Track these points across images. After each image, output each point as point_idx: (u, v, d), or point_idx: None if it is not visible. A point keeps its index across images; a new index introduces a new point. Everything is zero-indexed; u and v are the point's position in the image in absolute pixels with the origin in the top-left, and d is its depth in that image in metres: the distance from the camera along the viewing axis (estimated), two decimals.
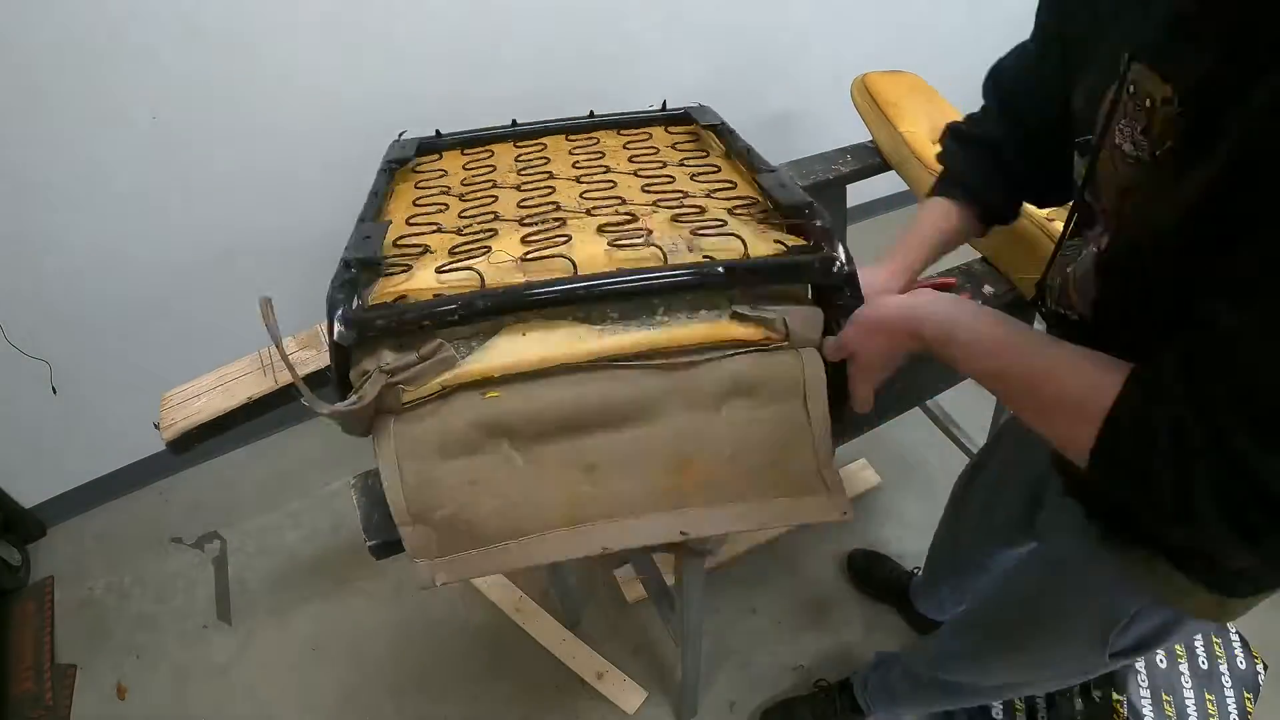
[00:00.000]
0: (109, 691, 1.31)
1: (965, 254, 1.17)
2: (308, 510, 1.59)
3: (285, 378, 0.81)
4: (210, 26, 1.18)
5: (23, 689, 1.29)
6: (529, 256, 0.61)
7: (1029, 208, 1.09)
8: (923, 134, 1.29)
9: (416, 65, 1.40)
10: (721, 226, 0.65)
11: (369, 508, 0.72)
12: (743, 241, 0.62)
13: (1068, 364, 0.50)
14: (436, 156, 0.91)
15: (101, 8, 1.10)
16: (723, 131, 0.90)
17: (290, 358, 0.85)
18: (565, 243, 0.63)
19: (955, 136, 0.82)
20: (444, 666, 1.35)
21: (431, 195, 0.80)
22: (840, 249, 0.62)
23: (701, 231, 0.63)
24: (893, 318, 0.60)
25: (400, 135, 0.91)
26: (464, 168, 0.88)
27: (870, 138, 1.38)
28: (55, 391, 1.38)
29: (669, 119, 1.01)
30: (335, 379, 0.61)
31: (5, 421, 1.38)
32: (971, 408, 1.61)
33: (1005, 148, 0.76)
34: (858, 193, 1.49)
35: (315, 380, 0.84)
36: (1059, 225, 1.06)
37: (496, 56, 1.47)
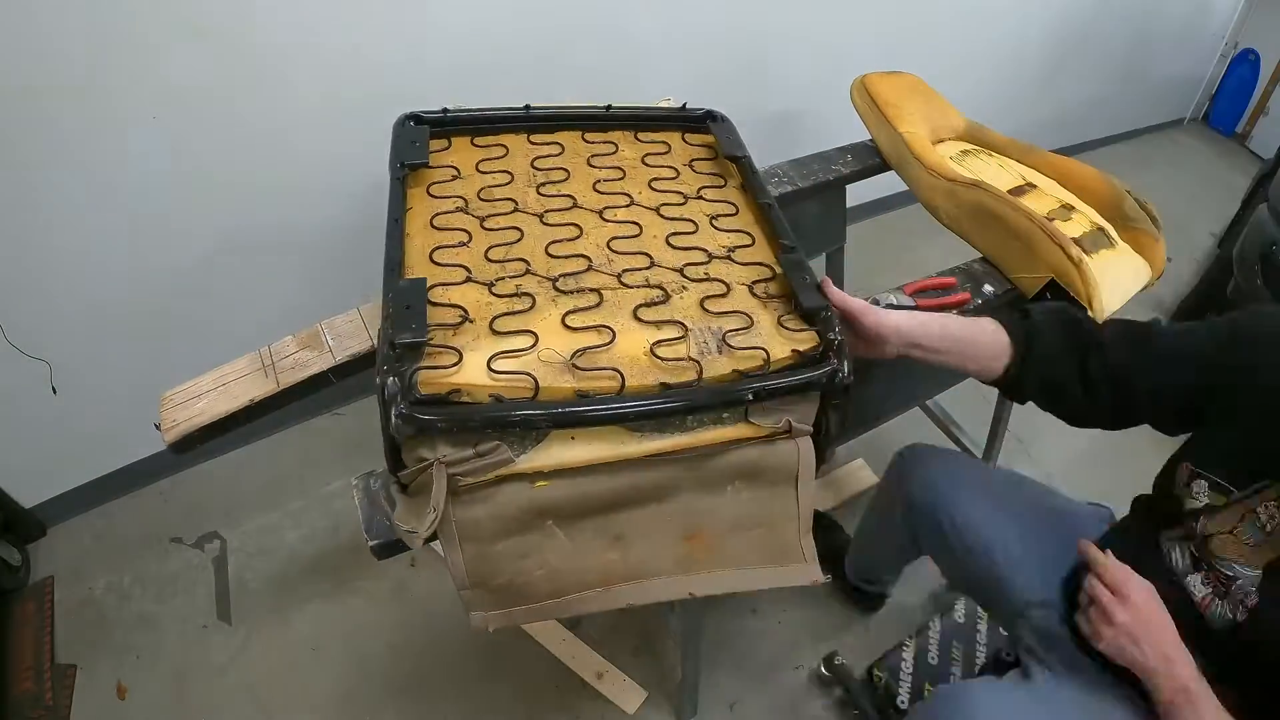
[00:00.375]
0: (109, 691, 1.31)
1: (966, 253, 1.18)
2: (308, 510, 1.59)
3: (286, 379, 0.81)
4: (211, 25, 1.18)
5: (23, 689, 1.29)
6: (578, 363, 0.66)
7: (1026, 204, 1.10)
8: (922, 135, 1.29)
9: (415, 65, 1.40)
10: (747, 328, 0.72)
11: (370, 508, 0.73)
12: (766, 352, 0.70)
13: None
14: (445, 144, 0.90)
15: (101, 7, 1.09)
16: (747, 168, 0.91)
17: (291, 358, 0.85)
18: (609, 344, 0.68)
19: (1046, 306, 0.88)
20: (444, 666, 1.35)
21: (449, 213, 0.80)
22: (846, 364, 0.70)
23: (730, 338, 0.71)
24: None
25: (407, 119, 0.89)
26: (478, 169, 0.87)
27: (870, 138, 1.38)
28: (55, 391, 1.38)
29: (686, 123, 1.00)
30: (388, 459, 0.67)
31: (5, 421, 1.38)
32: (972, 408, 1.62)
33: (1094, 354, 0.80)
34: (858, 193, 1.49)
35: (317, 383, 0.84)
36: (1059, 225, 1.07)
37: (496, 56, 1.47)
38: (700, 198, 0.88)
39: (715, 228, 0.84)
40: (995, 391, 1.43)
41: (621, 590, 0.73)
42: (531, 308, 0.70)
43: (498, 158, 0.89)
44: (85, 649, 1.37)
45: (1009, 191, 1.15)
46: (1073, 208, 1.17)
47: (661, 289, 0.75)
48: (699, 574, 0.75)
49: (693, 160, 0.95)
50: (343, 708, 1.30)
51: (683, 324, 0.71)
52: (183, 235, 1.37)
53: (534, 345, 0.67)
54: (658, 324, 0.71)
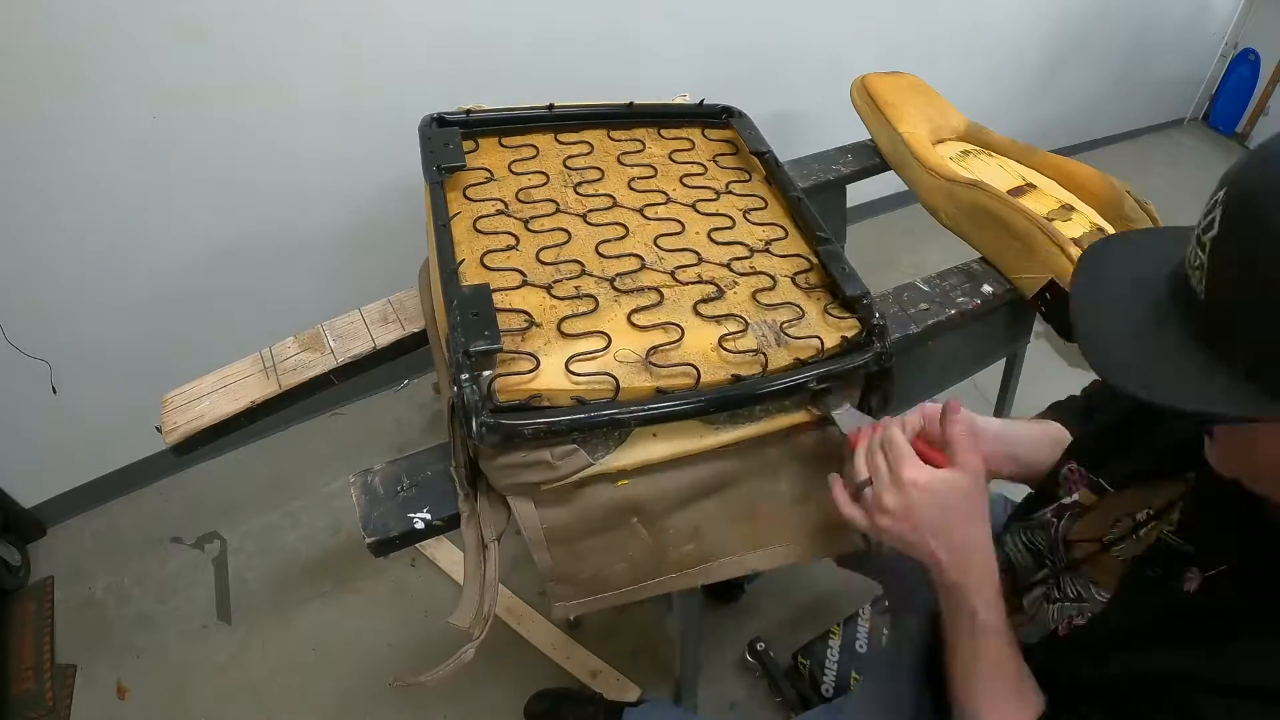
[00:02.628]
0: (109, 691, 1.31)
1: (966, 253, 1.18)
2: (308, 510, 1.59)
3: (288, 381, 0.81)
4: (210, 25, 1.18)
5: (23, 689, 1.29)
6: (654, 361, 0.68)
7: (1025, 204, 1.10)
8: (922, 135, 1.29)
9: (418, 63, 1.40)
10: (799, 319, 0.76)
11: (368, 505, 0.73)
12: (820, 340, 0.73)
13: (1003, 679, 0.60)
14: (473, 145, 0.90)
15: (102, 7, 1.09)
16: (771, 163, 0.93)
17: (292, 359, 0.85)
18: (679, 341, 0.71)
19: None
20: None
21: (490, 216, 0.80)
22: (888, 347, 0.75)
23: (786, 329, 0.74)
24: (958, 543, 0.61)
25: (432, 120, 0.88)
26: (510, 170, 0.87)
27: (870, 137, 1.38)
28: (55, 391, 1.38)
29: (705, 119, 1.02)
30: (466, 470, 0.68)
31: (5, 421, 1.38)
32: (972, 407, 1.61)
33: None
34: (858, 193, 1.49)
35: (318, 384, 0.84)
36: (1059, 225, 1.07)
37: (499, 55, 1.47)
38: (730, 192, 0.90)
39: (750, 222, 0.87)
40: (995, 392, 1.43)
41: (695, 574, 0.78)
42: (595, 309, 0.71)
43: (529, 158, 0.89)
44: (85, 649, 1.37)
45: (1008, 192, 1.15)
46: (1073, 208, 1.17)
47: (715, 284, 0.77)
48: (760, 550, 0.80)
49: (716, 156, 0.97)
50: (343, 708, 1.30)
51: (742, 318, 0.74)
52: (183, 235, 1.37)
53: (608, 346, 0.68)
54: (718, 319, 0.74)
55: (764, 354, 0.71)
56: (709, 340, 0.71)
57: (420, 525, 0.71)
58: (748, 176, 0.94)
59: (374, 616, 1.42)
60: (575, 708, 1.27)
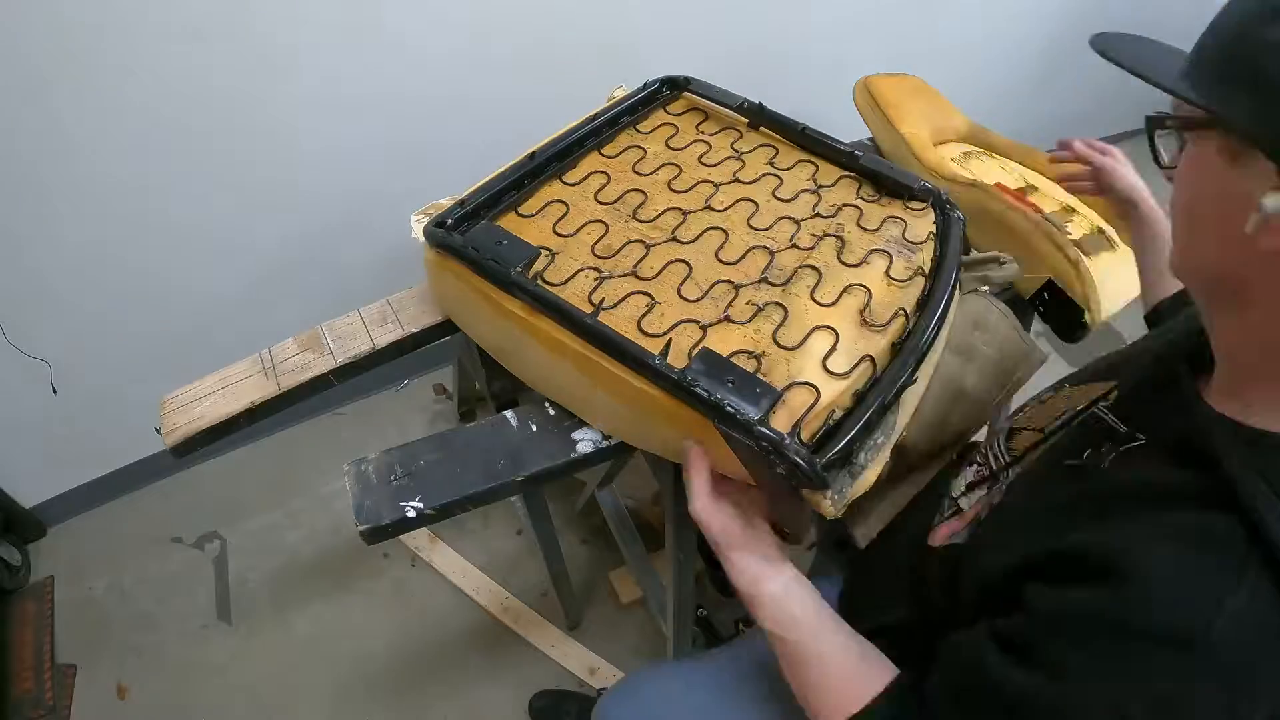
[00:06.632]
0: (109, 691, 1.31)
1: None
2: (308, 510, 1.59)
3: (288, 382, 0.81)
4: (212, 25, 1.18)
5: (23, 689, 1.29)
6: (869, 320, 0.68)
7: (1024, 205, 1.10)
8: (923, 136, 1.29)
9: (418, 62, 1.40)
10: (904, 226, 0.78)
11: (361, 493, 0.72)
12: (925, 234, 0.76)
13: (840, 655, 0.56)
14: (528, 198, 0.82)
15: (103, 6, 1.09)
16: (753, 112, 0.92)
17: (292, 360, 0.85)
18: (868, 294, 0.70)
19: None
20: (442, 666, 1.35)
21: (595, 286, 0.72)
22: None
23: (906, 237, 0.77)
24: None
25: (439, 227, 0.75)
26: (556, 231, 0.78)
27: (870, 137, 1.38)
28: (55, 391, 1.38)
29: (639, 97, 1.00)
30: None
31: (5, 421, 1.38)
32: None
33: None
34: None
35: (318, 385, 0.84)
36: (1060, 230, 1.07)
37: (495, 51, 1.47)
38: (741, 154, 0.89)
39: (786, 170, 0.86)
40: None
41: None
42: (787, 314, 0.68)
43: (602, 186, 0.83)
44: (85, 649, 1.37)
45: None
46: (1074, 210, 1.17)
47: (831, 235, 0.77)
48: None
49: (698, 126, 0.94)
50: (342, 708, 1.30)
51: (878, 249, 0.75)
52: (182, 236, 1.37)
53: (838, 338, 0.65)
54: (863, 260, 0.74)
55: (917, 266, 0.72)
56: (878, 278, 0.72)
57: (412, 514, 0.70)
58: (739, 134, 0.91)
59: (373, 616, 1.42)
60: (578, 702, 1.28)
